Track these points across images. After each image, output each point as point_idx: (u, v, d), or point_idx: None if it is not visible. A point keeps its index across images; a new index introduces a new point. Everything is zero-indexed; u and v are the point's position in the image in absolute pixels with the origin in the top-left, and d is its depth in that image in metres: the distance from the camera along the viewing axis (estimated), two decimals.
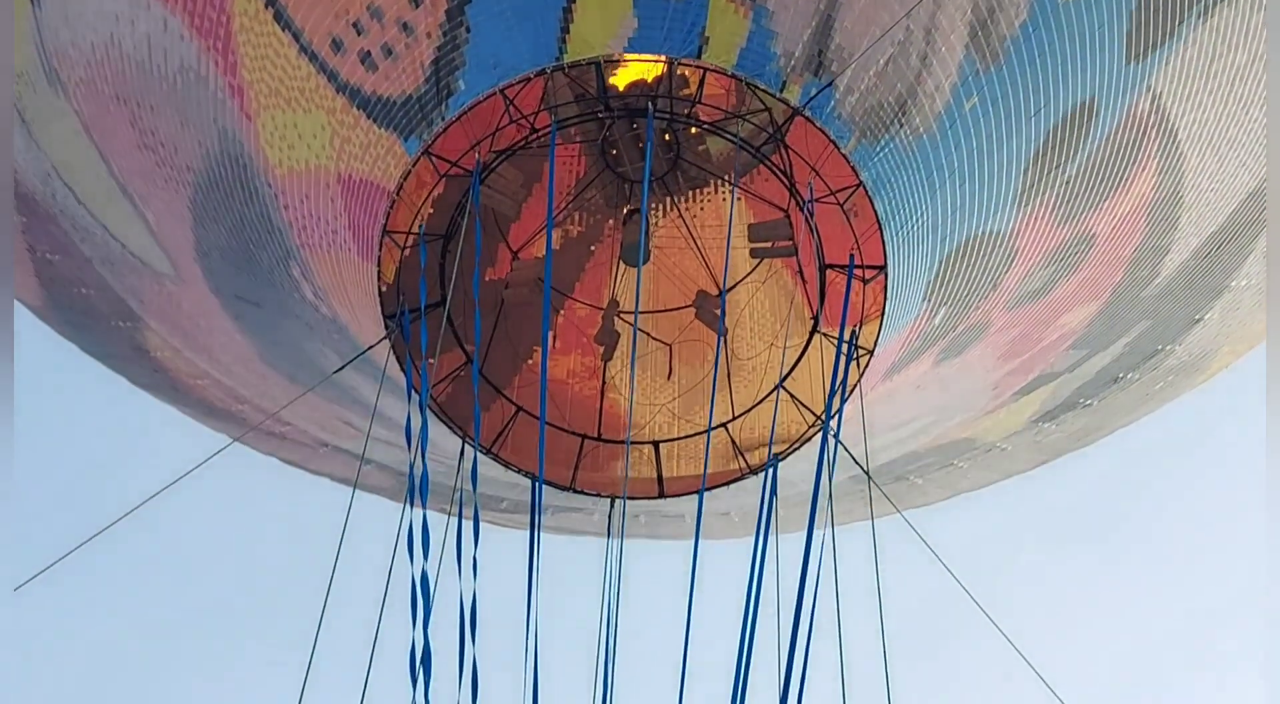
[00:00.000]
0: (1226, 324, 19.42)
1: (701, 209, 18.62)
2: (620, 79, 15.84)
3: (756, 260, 17.98)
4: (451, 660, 13.74)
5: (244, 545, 43.47)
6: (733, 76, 14.82)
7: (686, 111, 15.76)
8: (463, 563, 14.22)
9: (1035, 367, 18.81)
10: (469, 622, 13.72)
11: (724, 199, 17.37)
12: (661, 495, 16.72)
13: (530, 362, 18.04)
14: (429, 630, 13.69)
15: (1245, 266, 18.35)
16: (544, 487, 16.20)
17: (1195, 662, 45.15)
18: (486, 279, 17.58)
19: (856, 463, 16.21)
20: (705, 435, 16.58)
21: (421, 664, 13.24)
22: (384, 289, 15.78)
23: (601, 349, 18.51)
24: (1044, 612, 45.08)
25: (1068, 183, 16.11)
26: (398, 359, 15.69)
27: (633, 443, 16.90)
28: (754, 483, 16.96)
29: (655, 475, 16.81)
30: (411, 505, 13.66)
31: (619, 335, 18.11)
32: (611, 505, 16.17)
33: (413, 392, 15.07)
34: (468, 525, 14.42)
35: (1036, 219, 16.34)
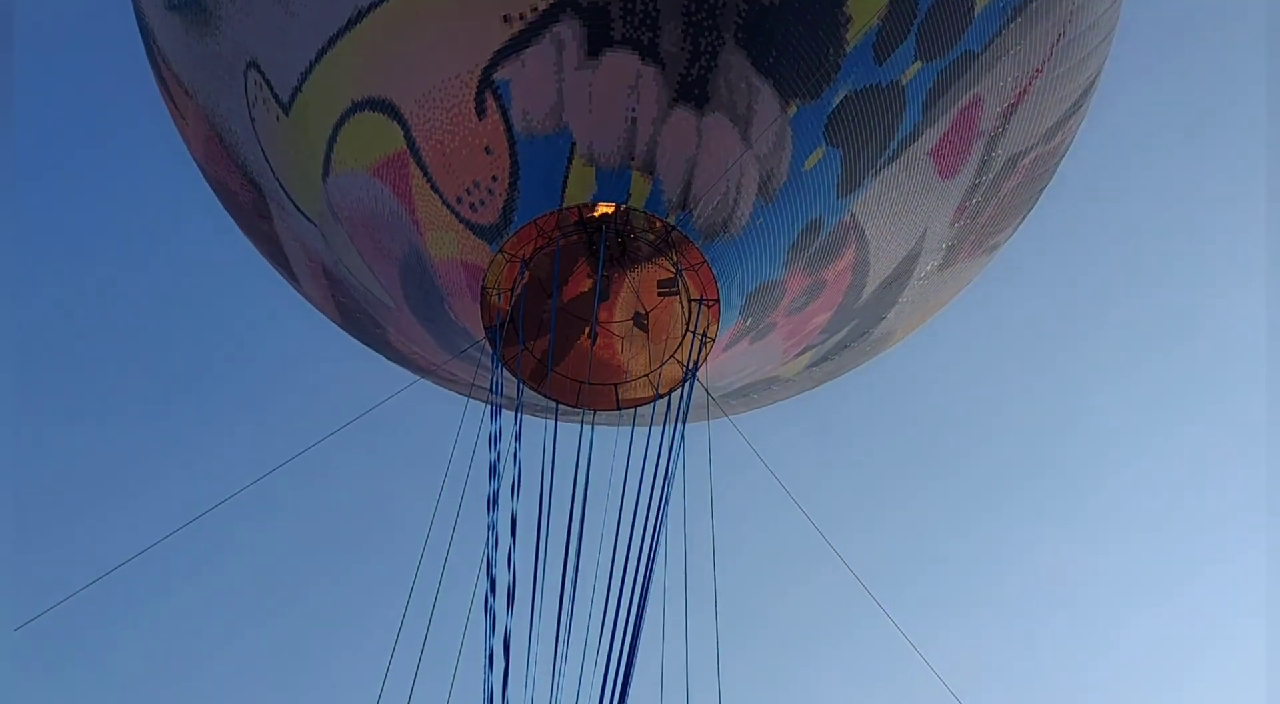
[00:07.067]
0: (900, 319, 28.50)
1: (640, 274, 25.21)
2: (601, 209, 22.56)
3: (662, 297, 24.88)
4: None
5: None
6: (641, 212, 22.19)
7: (626, 228, 22.90)
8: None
9: (803, 343, 27.08)
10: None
11: (654, 267, 24.61)
12: (618, 407, 24.80)
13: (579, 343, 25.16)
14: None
15: (906, 292, 27.00)
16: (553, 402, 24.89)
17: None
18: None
19: (708, 392, 24.13)
20: (643, 378, 25.14)
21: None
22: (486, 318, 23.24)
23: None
24: None
25: (810, 257, 23.71)
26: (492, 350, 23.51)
27: (597, 384, 25.02)
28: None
29: (615, 399, 25.07)
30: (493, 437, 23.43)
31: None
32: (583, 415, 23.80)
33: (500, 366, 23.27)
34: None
35: (795, 273, 23.90)
